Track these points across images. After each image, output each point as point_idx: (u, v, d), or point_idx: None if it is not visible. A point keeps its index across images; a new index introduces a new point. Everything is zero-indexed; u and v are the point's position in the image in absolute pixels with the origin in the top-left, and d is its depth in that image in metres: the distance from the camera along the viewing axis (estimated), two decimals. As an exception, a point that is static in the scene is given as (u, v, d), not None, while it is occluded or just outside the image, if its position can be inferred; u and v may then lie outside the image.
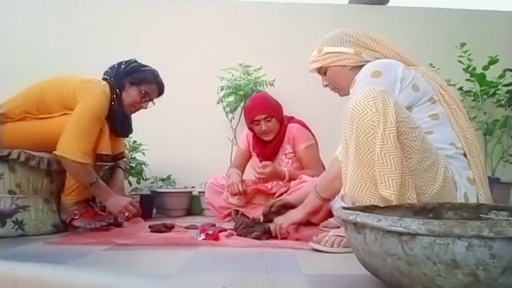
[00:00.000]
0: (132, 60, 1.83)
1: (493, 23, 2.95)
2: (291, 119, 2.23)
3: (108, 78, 1.78)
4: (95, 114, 1.63)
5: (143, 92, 1.80)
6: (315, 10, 2.95)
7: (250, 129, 2.21)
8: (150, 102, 1.88)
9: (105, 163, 1.73)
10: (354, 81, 1.22)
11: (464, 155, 1.18)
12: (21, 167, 1.62)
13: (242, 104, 2.69)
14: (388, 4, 3.00)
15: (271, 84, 2.67)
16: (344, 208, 0.82)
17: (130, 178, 2.46)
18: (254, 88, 2.63)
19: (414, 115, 1.11)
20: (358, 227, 0.73)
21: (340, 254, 1.18)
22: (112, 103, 1.74)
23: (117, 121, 1.79)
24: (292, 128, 2.15)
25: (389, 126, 0.97)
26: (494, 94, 2.52)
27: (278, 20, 2.95)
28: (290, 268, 1.03)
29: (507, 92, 2.53)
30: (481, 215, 0.91)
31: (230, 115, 2.74)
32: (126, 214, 1.68)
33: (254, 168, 2.10)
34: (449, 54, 2.44)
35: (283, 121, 2.17)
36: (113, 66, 1.82)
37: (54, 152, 1.57)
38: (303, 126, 2.20)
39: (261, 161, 2.11)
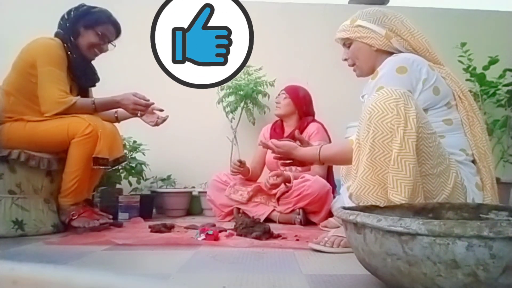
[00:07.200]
0: (81, 5, 1.80)
1: (493, 23, 2.95)
2: (313, 120, 2.36)
3: (60, 31, 1.76)
4: (53, 60, 1.66)
5: (100, 33, 1.78)
6: (315, 10, 2.95)
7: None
8: (111, 45, 1.86)
9: (102, 167, 1.69)
10: (376, 73, 1.19)
11: (473, 162, 1.17)
12: (21, 167, 1.62)
13: (242, 104, 2.69)
14: (388, 4, 3.00)
15: (272, 84, 2.67)
16: (344, 208, 0.82)
17: (130, 178, 2.46)
18: (254, 88, 2.63)
19: (428, 118, 1.08)
20: (358, 227, 0.73)
21: (340, 254, 1.18)
22: (69, 52, 1.73)
23: (79, 70, 1.78)
24: (313, 125, 2.29)
25: (409, 131, 0.95)
26: (494, 94, 2.52)
27: (278, 20, 2.95)
28: (290, 268, 1.03)
29: (507, 92, 2.53)
30: (481, 215, 0.91)
31: (230, 115, 2.74)
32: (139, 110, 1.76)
33: (268, 167, 2.28)
34: (449, 54, 2.44)
35: (300, 109, 2.35)
36: (63, 16, 1.79)
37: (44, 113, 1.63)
38: (323, 128, 2.32)
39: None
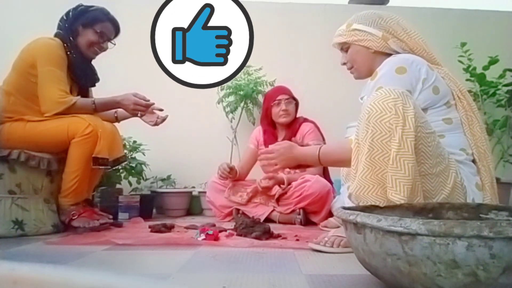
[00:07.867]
0: (79, 5, 1.81)
1: (493, 23, 2.95)
2: (306, 119, 2.34)
3: (60, 31, 1.77)
4: (53, 60, 1.67)
5: (98, 31, 1.79)
6: (315, 10, 2.95)
7: (266, 113, 2.32)
8: (110, 43, 1.86)
9: (102, 167, 1.69)
10: (375, 73, 1.19)
11: (473, 161, 1.17)
12: (21, 167, 1.62)
13: (242, 104, 2.69)
14: (388, 4, 3.00)
15: (271, 85, 2.67)
16: (344, 208, 0.82)
17: (130, 178, 2.46)
18: (254, 88, 2.63)
19: (428, 117, 1.08)
20: (358, 227, 0.73)
21: (340, 254, 1.18)
22: (69, 52, 1.74)
23: (79, 69, 1.78)
24: (306, 125, 2.27)
25: (407, 130, 0.95)
26: (494, 94, 2.52)
27: (278, 20, 2.95)
28: (290, 268, 1.03)
29: (507, 92, 2.53)
30: (481, 215, 0.91)
31: (230, 115, 2.74)
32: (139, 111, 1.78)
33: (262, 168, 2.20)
34: (449, 54, 2.45)
35: (297, 112, 2.33)
36: (61, 18, 1.80)
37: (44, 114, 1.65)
38: (316, 127, 2.31)
39: None
